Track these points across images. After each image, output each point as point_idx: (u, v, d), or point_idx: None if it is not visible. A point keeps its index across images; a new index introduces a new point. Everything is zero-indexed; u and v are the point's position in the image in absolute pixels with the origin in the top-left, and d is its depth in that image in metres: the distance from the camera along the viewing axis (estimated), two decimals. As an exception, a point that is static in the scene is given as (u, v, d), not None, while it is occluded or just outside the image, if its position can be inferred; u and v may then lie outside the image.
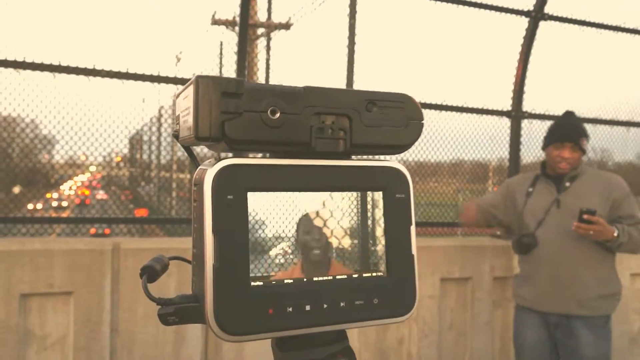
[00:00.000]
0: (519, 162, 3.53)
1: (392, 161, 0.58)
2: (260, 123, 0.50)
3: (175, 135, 0.57)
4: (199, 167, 0.52)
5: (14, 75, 2.57)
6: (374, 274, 0.55)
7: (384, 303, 0.54)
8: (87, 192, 5.42)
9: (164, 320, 0.50)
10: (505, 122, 3.55)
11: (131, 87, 2.71)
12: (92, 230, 4.83)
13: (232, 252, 0.48)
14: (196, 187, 0.51)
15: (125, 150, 5.14)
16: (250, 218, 0.50)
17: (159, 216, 4.43)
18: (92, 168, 4.56)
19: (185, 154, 0.62)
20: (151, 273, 0.54)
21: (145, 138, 5.58)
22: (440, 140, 3.48)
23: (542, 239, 2.43)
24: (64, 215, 4.91)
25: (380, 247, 0.55)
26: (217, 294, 0.47)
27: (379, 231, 0.55)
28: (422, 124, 0.58)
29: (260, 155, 0.56)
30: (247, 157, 0.52)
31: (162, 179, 5.75)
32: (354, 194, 0.55)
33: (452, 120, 3.51)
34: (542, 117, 3.58)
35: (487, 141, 3.68)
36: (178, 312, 0.50)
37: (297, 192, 0.52)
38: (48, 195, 3.95)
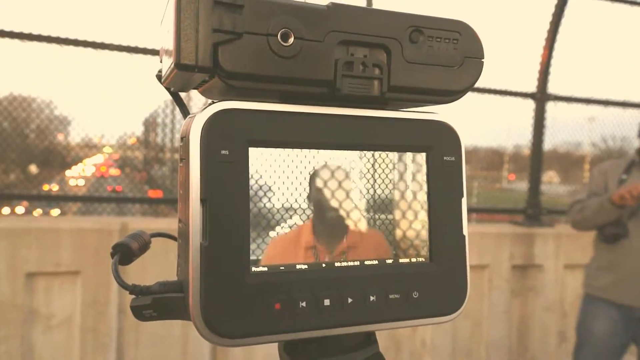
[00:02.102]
0: (542, 147, 3.38)
1: (439, 113, 0.44)
2: (266, 51, 0.37)
3: (159, 77, 0.45)
4: (188, 116, 0.40)
5: (30, 54, 2.50)
6: (414, 260, 0.42)
7: (426, 297, 0.42)
8: (103, 169, 5.40)
9: (138, 314, 0.39)
10: (525, 108, 3.40)
11: (144, 66, 2.63)
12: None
13: (226, 226, 0.36)
14: (183, 140, 0.39)
15: (140, 133, 5.10)
16: (252, 182, 0.38)
17: (166, 197, 4.40)
18: (108, 149, 4.52)
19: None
20: (125, 253, 0.43)
21: (159, 121, 5.54)
22: (456, 116, 3.34)
23: (634, 230, 2.28)
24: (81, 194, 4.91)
25: (422, 226, 0.43)
26: (205, 282, 0.35)
27: (421, 205, 0.43)
28: (482, 62, 0.44)
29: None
30: (250, 100, 0.39)
31: (176, 162, 5.72)
32: (390, 154, 0.42)
33: (468, 104, 3.38)
34: (568, 99, 3.41)
35: (504, 128, 3.55)
36: (156, 304, 0.38)
37: (315, 150, 0.40)
38: (45, 188, 3.69)
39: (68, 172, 4.64)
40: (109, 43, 2.50)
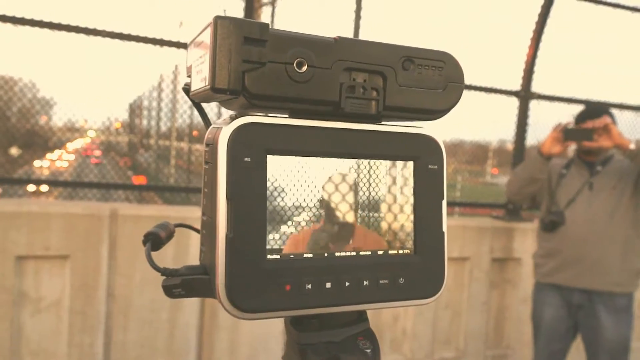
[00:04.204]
0: (525, 144, 3.48)
1: (425, 128, 0.52)
2: (284, 76, 0.44)
3: (186, 90, 0.51)
4: (212, 126, 0.47)
5: (14, 34, 2.49)
6: (401, 252, 0.50)
7: (410, 283, 0.50)
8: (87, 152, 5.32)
9: (169, 292, 0.45)
10: (510, 104, 3.49)
11: (132, 51, 2.63)
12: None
13: (247, 221, 0.43)
14: (208, 147, 0.46)
15: (125, 117, 5.05)
16: (269, 184, 0.45)
17: (157, 184, 4.39)
18: (92, 133, 4.48)
19: (197, 113, 0.56)
20: (155, 240, 0.49)
21: (146, 104, 5.50)
22: (440, 120, 3.40)
23: (571, 218, 2.48)
24: (63, 178, 4.85)
25: (409, 223, 0.50)
26: (229, 267, 0.43)
27: (408, 205, 0.50)
28: (463, 87, 0.52)
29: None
30: (268, 115, 0.46)
31: (162, 148, 5.69)
32: (383, 162, 0.50)
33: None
34: (551, 98, 3.50)
35: (489, 123, 3.62)
36: (184, 284, 0.45)
37: (321, 158, 0.47)
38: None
39: (37, 163, 4.49)
40: (102, 29, 2.50)
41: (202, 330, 2.58)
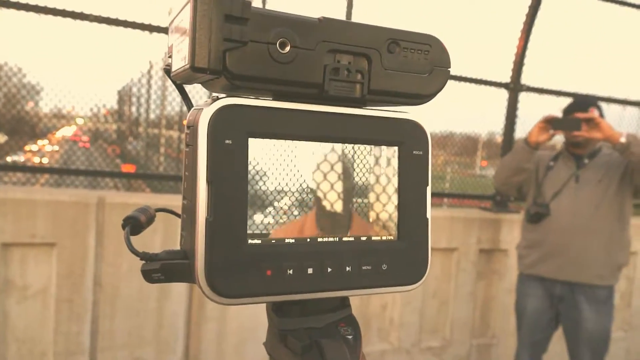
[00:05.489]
0: (514, 136, 3.50)
1: (410, 113, 0.51)
2: (267, 57, 0.43)
3: (167, 70, 0.50)
4: (193, 108, 0.45)
5: (2, 20, 2.43)
6: (384, 238, 0.49)
7: (393, 270, 0.49)
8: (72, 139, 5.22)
9: (148, 277, 0.44)
10: (500, 96, 3.50)
11: (121, 36, 2.59)
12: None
13: (228, 204, 0.42)
14: (189, 129, 0.44)
15: (114, 104, 4.98)
16: (250, 167, 0.43)
17: (145, 172, 4.35)
18: (79, 120, 4.41)
19: (178, 94, 0.55)
20: (135, 224, 0.48)
21: (135, 91, 5.42)
22: (430, 111, 3.40)
23: (556, 210, 2.50)
24: (49, 165, 4.77)
25: (392, 209, 0.49)
26: (209, 251, 0.42)
27: (392, 191, 0.49)
28: (449, 71, 0.50)
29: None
30: (250, 97, 0.45)
31: (151, 136, 5.63)
32: (367, 147, 0.48)
33: (445, 92, 3.42)
34: (540, 90, 3.52)
35: (478, 115, 3.64)
36: (164, 268, 0.44)
37: (304, 142, 0.46)
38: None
39: (16, 157, 4.37)
40: (89, 14, 2.46)
41: (190, 320, 2.58)
